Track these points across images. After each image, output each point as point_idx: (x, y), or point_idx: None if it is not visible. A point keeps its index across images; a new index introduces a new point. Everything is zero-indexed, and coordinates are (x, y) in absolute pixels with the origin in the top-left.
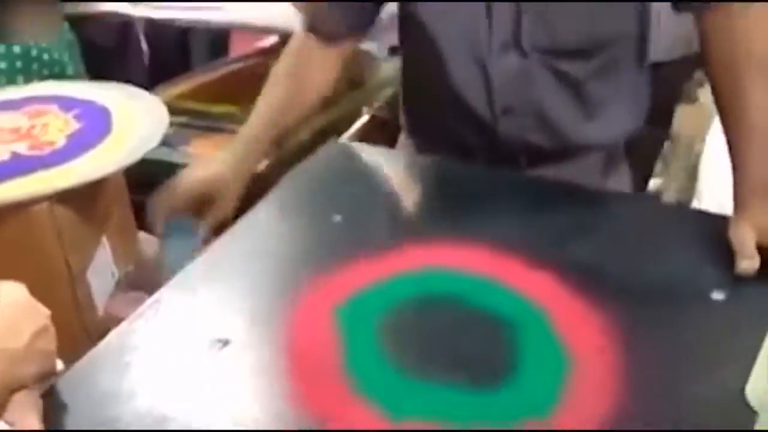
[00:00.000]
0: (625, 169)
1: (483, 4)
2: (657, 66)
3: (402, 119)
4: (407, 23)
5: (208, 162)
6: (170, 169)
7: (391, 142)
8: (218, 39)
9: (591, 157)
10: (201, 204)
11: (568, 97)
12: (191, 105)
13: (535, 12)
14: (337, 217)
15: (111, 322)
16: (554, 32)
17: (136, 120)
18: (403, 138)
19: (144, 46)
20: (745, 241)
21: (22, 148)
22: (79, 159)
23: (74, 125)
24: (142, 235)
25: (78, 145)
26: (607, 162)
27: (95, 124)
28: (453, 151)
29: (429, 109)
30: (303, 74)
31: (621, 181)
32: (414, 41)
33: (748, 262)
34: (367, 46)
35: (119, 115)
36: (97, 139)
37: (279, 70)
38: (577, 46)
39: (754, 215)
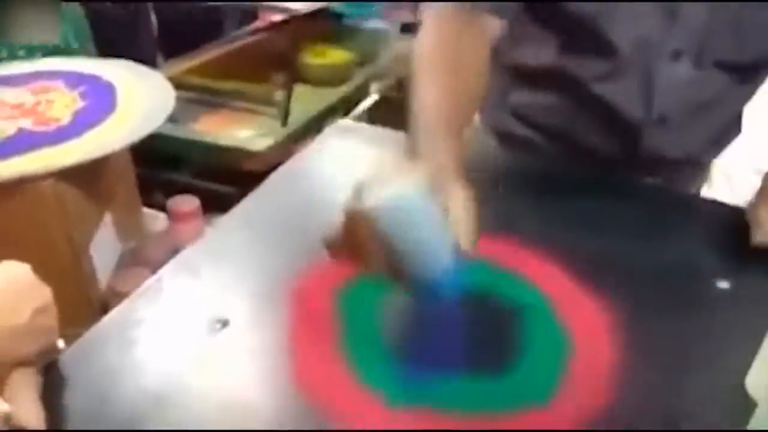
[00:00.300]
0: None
1: (667, 7)
2: None
3: (488, 113)
4: (548, 8)
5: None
6: (176, 144)
7: (398, 122)
8: (248, 14)
9: (694, 172)
10: None
11: (723, 111)
12: (199, 81)
13: (730, 20)
14: (343, 200)
15: (113, 296)
16: (744, 43)
17: (142, 98)
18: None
19: (154, 19)
20: (765, 214)
21: (27, 123)
22: (84, 136)
23: (80, 102)
24: (147, 211)
25: (83, 123)
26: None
27: (100, 102)
28: (563, 154)
29: (547, 107)
30: (461, 70)
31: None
32: (554, 31)
33: (764, 233)
34: (379, 24)
35: (125, 93)
36: (103, 117)
37: (431, 66)
38: (761, 59)
39: None
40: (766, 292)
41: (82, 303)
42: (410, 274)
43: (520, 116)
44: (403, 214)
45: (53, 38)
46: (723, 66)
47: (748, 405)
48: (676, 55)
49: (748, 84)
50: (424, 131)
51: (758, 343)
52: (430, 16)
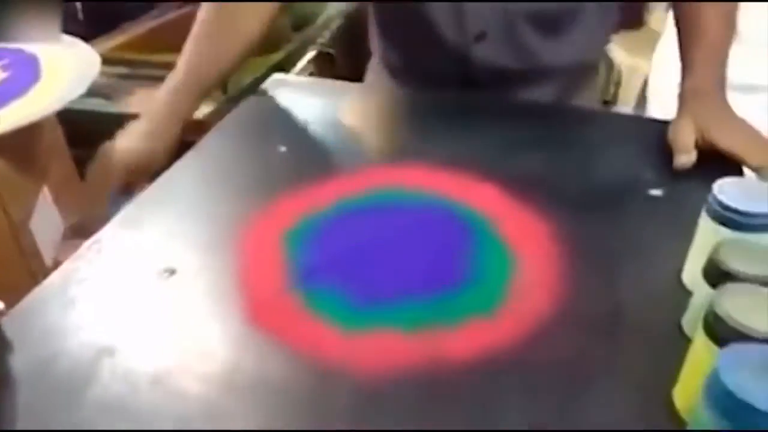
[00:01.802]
0: (589, 92)
1: None
2: None
3: (373, 45)
4: None
5: (136, 132)
6: (112, 120)
7: (336, 76)
8: None
9: (558, 80)
10: (135, 173)
11: (540, 21)
12: (130, 55)
13: None
14: (282, 148)
15: None
16: None
17: (66, 66)
18: (374, 65)
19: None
20: (684, 137)
21: None
22: (7, 107)
23: (1, 75)
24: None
25: (6, 94)
26: (571, 85)
27: (23, 73)
28: (426, 79)
29: (400, 39)
30: (230, 19)
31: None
32: None
33: (686, 157)
34: None
35: (48, 63)
36: (26, 87)
37: (202, 17)
38: None
39: (695, 114)
40: (695, 195)
41: (28, 277)
42: None
43: (389, 69)
44: None
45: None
46: None
47: (683, 294)
48: None
49: None
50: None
51: (690, 240)
52: None
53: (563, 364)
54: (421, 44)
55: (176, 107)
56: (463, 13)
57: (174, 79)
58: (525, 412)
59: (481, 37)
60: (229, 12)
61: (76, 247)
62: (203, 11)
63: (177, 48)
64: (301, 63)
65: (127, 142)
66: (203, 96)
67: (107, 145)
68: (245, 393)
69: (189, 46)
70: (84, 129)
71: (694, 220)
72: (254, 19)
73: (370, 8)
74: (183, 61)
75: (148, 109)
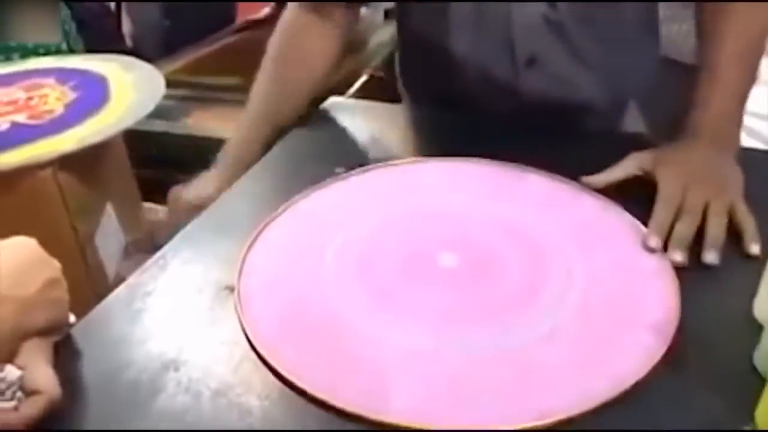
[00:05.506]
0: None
1: None
2: None
3: (401, 89)
4: None
5: (206, 179)
6: (171, 141)
7: (389, 100)
8: (227, 10)
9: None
10: None
11: (590, 46)
12: (191, 78)
13: None
14: (339, 170)
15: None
16: None
17: (133, 87)
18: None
19: (126, 28)
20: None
21: (21, 118)
22: (79, 125)
23: (71, 95)
24: (149, 205)
25: (77, 113)
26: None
27: (93, 93)
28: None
29: (436, 76)
30: (298, 60)
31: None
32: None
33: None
34: (363, 11)
35: (116, 84)
36: (96, 107)
37: (271, 55)
38: None
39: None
40: (762, 225)
41: (91, 291)
42: None
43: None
44: None
45: (53, 38)
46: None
47: (754, 329)
48: None
49: (619, 16)
50: (244, 119)
51: (760, 273)
52: (287, 9)
53: (627, 393)
54: (461, 80)
55: (244, 155)
56: (512, 35)
57: (240, 130)
58: None
59: (531, 62)
60: (294, 46)
61: (136, 264)
62: (270, 48)
63: (235, 71)
64: (355, 86)
65: (197, 189)
66: (270, 139)
67: (176, 189)
68: (304, 408)
69: (255, 92)
70: (145, 150)
71: (764, 250)
72: (320, 55)
73: (399, 31)
74: (248, 110)
75: (220, 158)
